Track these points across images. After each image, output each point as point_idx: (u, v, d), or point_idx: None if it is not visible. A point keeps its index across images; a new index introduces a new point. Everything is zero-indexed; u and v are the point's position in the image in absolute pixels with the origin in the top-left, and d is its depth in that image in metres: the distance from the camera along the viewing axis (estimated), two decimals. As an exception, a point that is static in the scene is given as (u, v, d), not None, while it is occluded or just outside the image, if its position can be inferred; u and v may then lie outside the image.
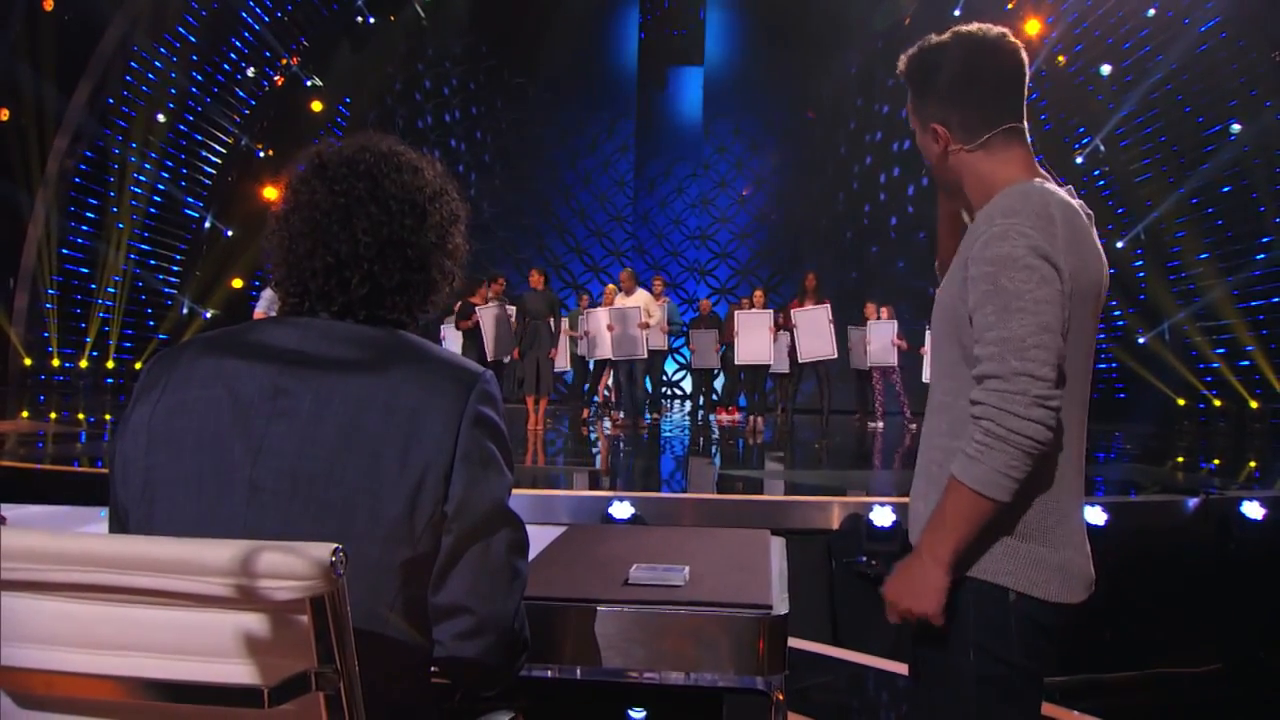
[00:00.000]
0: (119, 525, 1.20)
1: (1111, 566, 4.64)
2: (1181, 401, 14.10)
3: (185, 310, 16.40)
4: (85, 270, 15.24)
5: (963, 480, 1.40)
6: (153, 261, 16.12)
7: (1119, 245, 15.09)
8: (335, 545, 0.91)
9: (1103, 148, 15.39)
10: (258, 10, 16.50)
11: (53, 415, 11.24)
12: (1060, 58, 16.20)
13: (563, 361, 10.82)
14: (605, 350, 10.54)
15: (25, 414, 11.09)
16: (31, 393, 14.09)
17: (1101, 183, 15.65)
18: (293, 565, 0.89)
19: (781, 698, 1.41)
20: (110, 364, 15.42)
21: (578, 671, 1.50)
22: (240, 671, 0.96)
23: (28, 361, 14.64)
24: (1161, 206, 14.11)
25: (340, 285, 1.24)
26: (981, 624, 1.46)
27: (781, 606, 1.45)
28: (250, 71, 17.14)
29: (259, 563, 0.89)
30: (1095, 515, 4.91)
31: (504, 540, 1.21)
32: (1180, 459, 9.63)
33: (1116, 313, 15.19)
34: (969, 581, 1.47)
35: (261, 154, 17.15)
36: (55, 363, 14.95)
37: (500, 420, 1.23)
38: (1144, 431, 12.56)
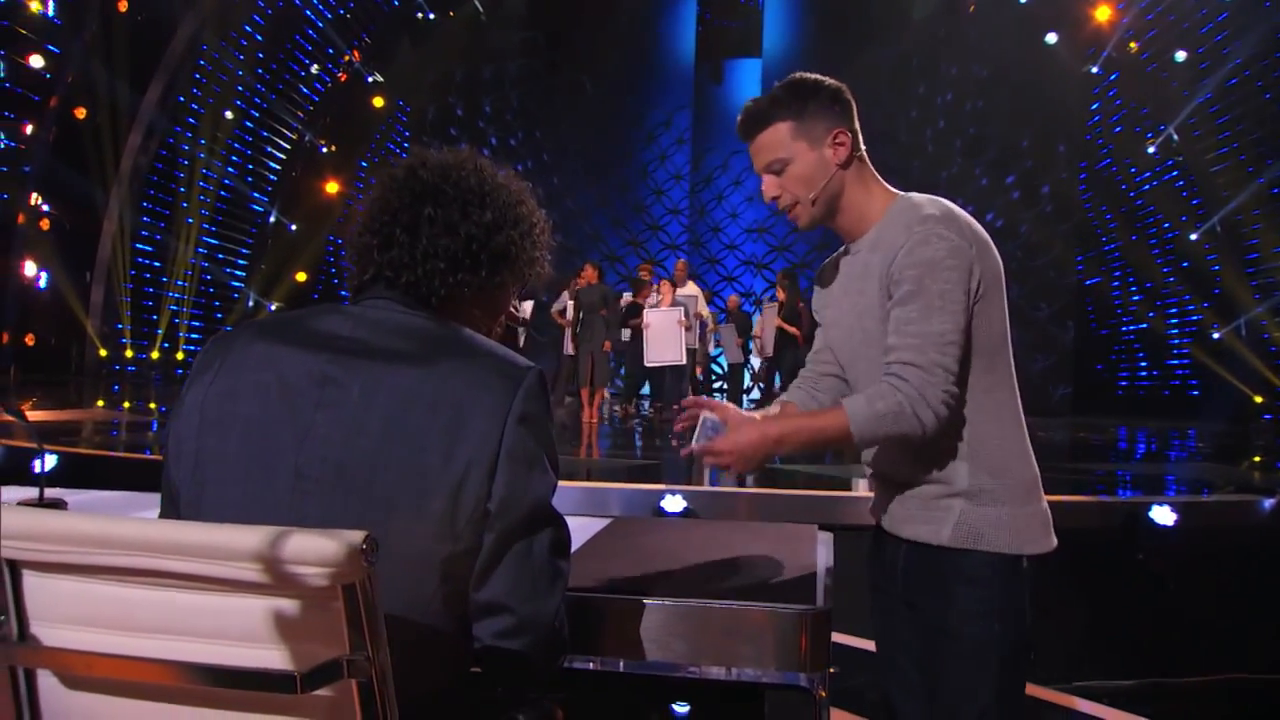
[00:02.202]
0: (171, 505, 1.22)
1: (1181, 567, 4.51)
2: (1259, 399, 13.59)
3: (251, 303, 16.82)
4: (157, 264, 15.73)
5: (855, 421, 1.52)
6: (220, 255, 16.58)
7: (1193, 237, 14.60)
8: (366, 533, 0.91)
9: (1176, 137, 14.89)
10: (321, 8, 16.81)
11: (126, 404, 11.60)
12: (1132, 44, 15.71)
13: (677, 354, 10.15)
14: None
15: (101, 403, 11.47)
16: (106, 383, 14.58)
17: (1174, 173, 15.15)
18: (323, 551, 0.89)
19: (824, 694, 1.38)
20: (180, 355, 15.89)
21: (621, 664, 1.48)
22: (275, 657, 0.96)
23: (103, 352, 15.17)
24: (1239, 197, 13.62)
25: (364, 251, 1.28)
26: (1005, 596, 1.59)
27: (825, 602, 1.43)
28: (314, 68, 17.48)
29: (289, 548, 0.89)
30: (1164, 515, 4.75)
31: (546, 539, 1.20)
32: (1256, 458, 9.29)
33: (1190, 307, 14.72)
34: (989, 556, 1.59)
35: (324, 149, 17.48)
36: (129, 353, 15.46)
37: (547, 418, 1.21)
38: (1218, 429, 12.16)
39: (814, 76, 1.69)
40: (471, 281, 1.28)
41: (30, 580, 1.00)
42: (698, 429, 1.63)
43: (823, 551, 1.75)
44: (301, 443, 1.14)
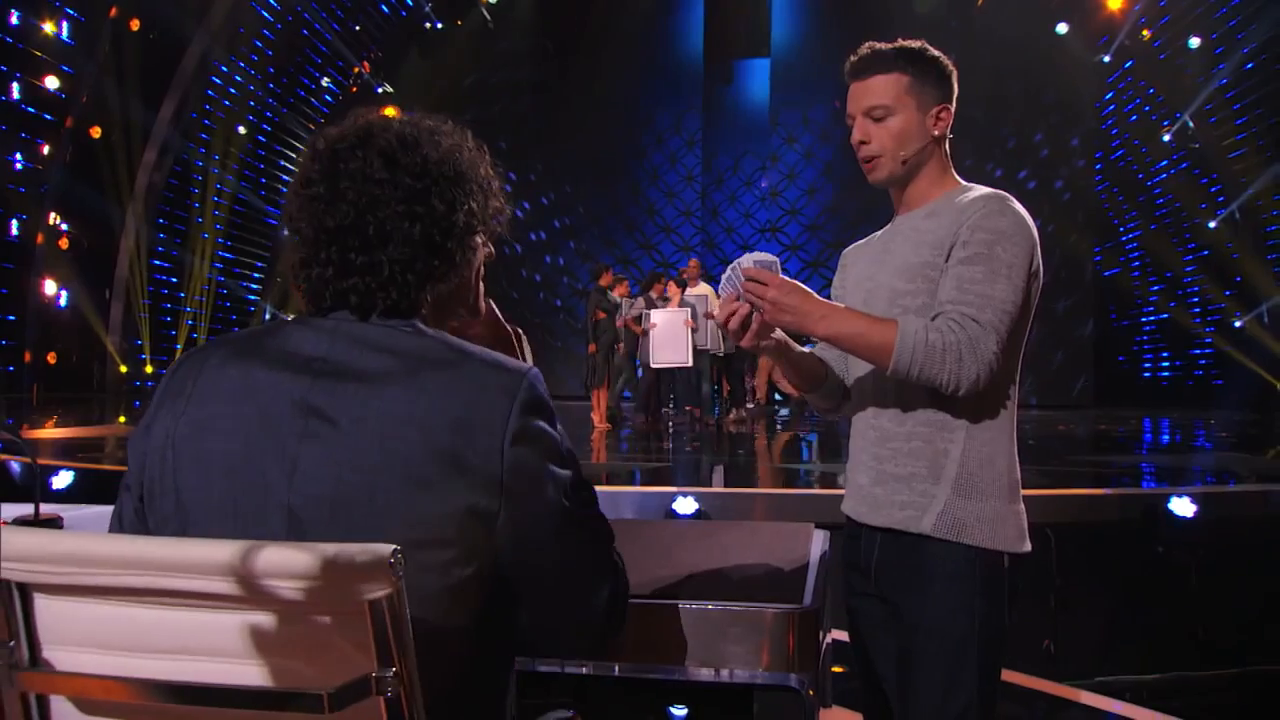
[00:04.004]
0: (135, 532, 1.15)
1: (1204, 559, 4.44)
2: (1283, 386, 13.42)
3: (268, 316, 16.95)
4: (174, 280, 15.87)
5: (903, 338, 1.51)
6: (236, 270, 16.71)
7: (1211, 225, 14.43)
8: (394, 546, 0.88)
9: (1192, 124, 14.72)
10: (331, 22, 16.94)
11: (147, 420, 11.68)
12: (1145, 32, 15.56)
13: (683, 355, 9.82)
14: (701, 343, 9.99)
15: (122, 419, 11.56)
16: (127, 399, 14.70)
17: (1188, 163, 14.98)
18: (351, 566, 0.87)
19: (813, 694, 1.36)
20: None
21: (615, 669, 1.46)
22: (299, 675, 0.93)
23: (123, 369, 15.31)
24: (1257, 183, 13.44)
25: (318, 282, 1.18)
26: (986, 593, 1.58)
27: (814, 601, 1.40)
28: (324, 81, 17.62)
29: (316, 565, 0.86)
30: (1183, 506, 4.68)
31: (574, 544, 1.15)
32: (1281, 447, 9.16)
33: (1211, 296, 14.54)
34: (970, 550, 1.57)
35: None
36: (149, 369, 15.59)
37: (548, 425, 1.14)
38: (1242, 419, 12.01)
39: (937, 51, 1.73)
40: (446, 273, 1.20)
41: (41, 603, 0.97)
42: (749, 262, 1.61)
43: (817, 549, 1.73)
44: (291, 480, 1.07)
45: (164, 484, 1.11)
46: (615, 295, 10.21)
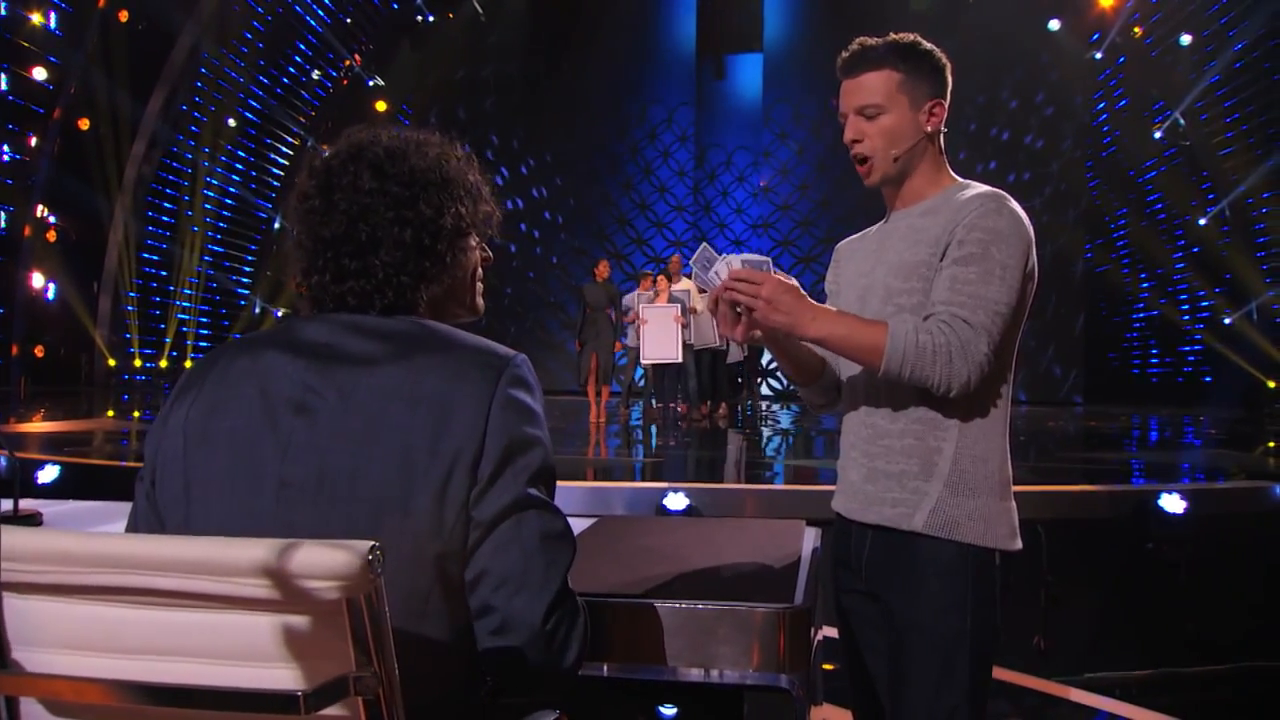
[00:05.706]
0: (148, 526, 1.19)
1: (1194, 556, 4.45)
2: (1271, 384, 13.49)
3: (258, 309, 16.88)
4: (163, 273, 15.79)
5: (894, 340, 1.50)
6: (226, 263, 16.64)
7: (1201, 222, 14.49)
8: (372, 543, 0.87)
9: (1183, 121, 14.77)
10: (321, 14, 16.85)
11: (136, 414, 11.63)
12: (1136, 29, 15.62)
13: (674, 351, 9.67)
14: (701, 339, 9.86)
15: (111, 413, 11.50)
16: (116, 392, 14.63)
17: (1178, 160, 15.03)
18: (330, 564, 0.85)
19: (804, 694, 1.34)
20: (189, 363, 15.97)
21: (604, 669, 1.44)
22: (276, 676, 0.91)
23: (112, 362, 15.24)
24: (1248, 180, 13.51)
25: (318, 288, 1.24)
26: (977, 590, 1.57)
27: (805, 600, 1.38)
28: (315, 74, 17.55)
29: (292, 561, 0.84)
30: (1173, 503, 4.68)
31: (535, 531, 1.14)
32: (1270, 444, 9.19)
33: (1201, 293, 14.61)
34: (962, 548, 1.56)
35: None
36: (137, 363, 15.53)
37: (534, 404, 1.17)
38: (1231, 416, 12.06)
39: (930, 45, 1.70)
40: (439, 274, 1.26)
41: (11, 603, 0.95)
42: (729, 261, 1.59)
43: (808, 547, 1.71)
44: (284, 452, 1.12)
45: (174, 467, 1.17)
46: (639, 290, 10.21)
